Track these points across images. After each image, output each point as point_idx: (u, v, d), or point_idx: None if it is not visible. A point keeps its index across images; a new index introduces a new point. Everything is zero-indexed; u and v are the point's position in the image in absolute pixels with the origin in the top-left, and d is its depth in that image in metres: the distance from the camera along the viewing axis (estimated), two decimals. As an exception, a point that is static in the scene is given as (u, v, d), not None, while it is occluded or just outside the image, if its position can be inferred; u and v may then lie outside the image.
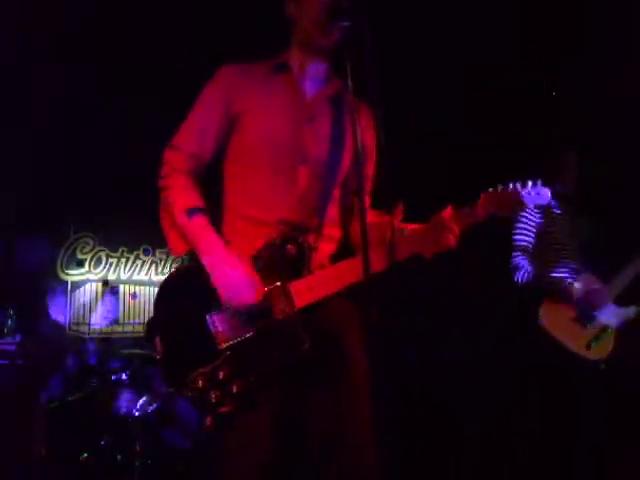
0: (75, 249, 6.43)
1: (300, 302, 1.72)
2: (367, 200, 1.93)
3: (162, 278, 7.51)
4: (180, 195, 1.83)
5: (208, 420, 1.70)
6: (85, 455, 4.03)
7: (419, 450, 3.99)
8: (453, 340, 4.60)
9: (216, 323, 1.73)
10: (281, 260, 1.75)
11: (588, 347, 3.10)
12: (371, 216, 1.82)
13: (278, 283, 1.73)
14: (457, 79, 4.43)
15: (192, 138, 1.90)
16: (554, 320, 3.15)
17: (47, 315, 6.00)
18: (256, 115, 1.84)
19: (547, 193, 1.83)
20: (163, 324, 1.80)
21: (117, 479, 3.90)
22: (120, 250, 6.60)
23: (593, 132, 3.97)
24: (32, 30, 4.22)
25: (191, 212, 1.79)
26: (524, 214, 3.35)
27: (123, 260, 6.59)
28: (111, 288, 6.40)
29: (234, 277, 1.70)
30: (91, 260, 6.47)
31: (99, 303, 6.41)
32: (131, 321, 6.41)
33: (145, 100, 4.88)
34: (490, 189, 1.83)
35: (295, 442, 1.78)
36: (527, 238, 3.34)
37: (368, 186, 1.96)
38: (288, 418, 1.77)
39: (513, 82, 4.32)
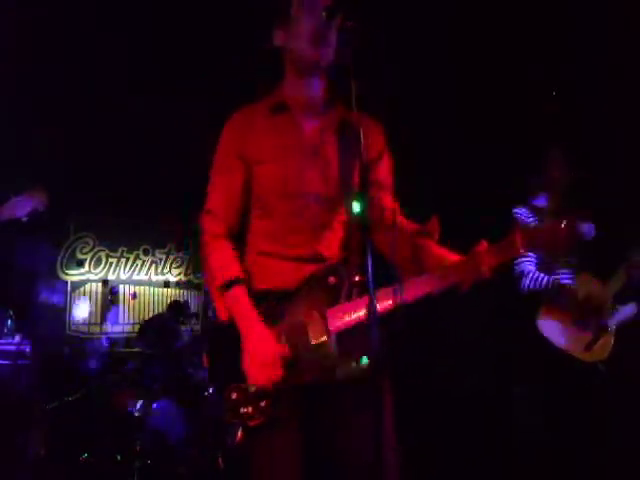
0: (75, 249, 6.43)
1: (334, 326, 1.81)
2: (397, 207, 2.01)
3: (162, 278, 7.55)
4: (220, 266, 1.92)
5: (239, 433, 1.82)
6: (85, 455, 4.03)
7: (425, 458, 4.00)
8: (452, 344, 4.60)
9: None
10: (321, 290, 1.86)
11: (587, 349, 3.10)
12: (410, 231, 1.92)
13: (316, 312, 1.83)
14: (453, 78, 4.43)
15: (222, 201, 1.97)
16: (552, 323, 3.14)
17: (47, 315, 5.99)
18: (266, 163, 1.92)
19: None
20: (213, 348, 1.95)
21: (117, 479, 3.91)
22: (120, 250, 6.61)
23: (593, 132, 3.97)
24: (32, 30, 4.22)
25: (230, 284, 1.88)
26: (520, 216, 3.35)
27: (123, 260, 6.60)
28: (110, 290, 6.40)
29: (261, 356, 1.79)
30: (91, 260, 6.47)
31: (99, 304, 6.41)
32: (131, 321, 6.42)
33: (146, 100, 4.88)
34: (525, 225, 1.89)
35: (325, 462, 1.87)
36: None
37: (388, 193, 2.02)
38: (319, 439, 1.85)
39: (513, 82, 4.32)
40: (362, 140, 1.70)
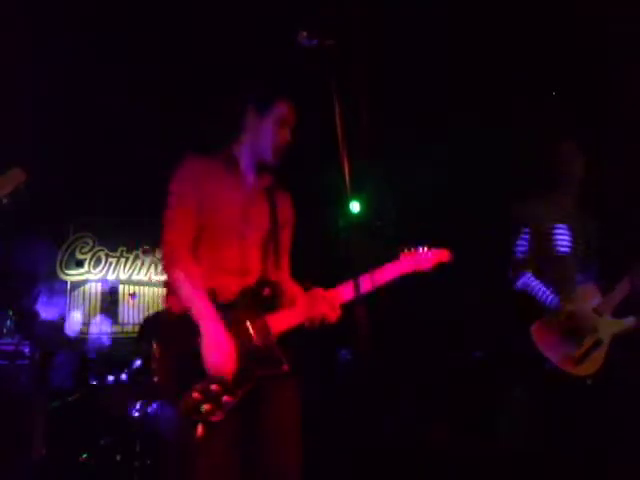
0: (75, 249, 6.43)
1: (276, 330, 2.20)
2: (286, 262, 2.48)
3: (161, 278, 7.52)
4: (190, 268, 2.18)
5: (200, 428, 1.99)
6: (85, 455, 4.03)
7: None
8: (447, 353, 4.61)
9: None
10: (259, 299, 2.24)
11: (578, 363, 3.07)
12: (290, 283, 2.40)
13: (258, 318, 2.19)
14: (453, 75, 4.43)
15: (181, 234, 2.24)
16: (545, 337, 3.12)
17: (46, 315, 5.99)
18: (217, 204, 2.29)
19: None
20: (164, 346, 2.12)
21: (117, 479, 3.91)
22: (119, 250, 6.61)
23: (594, 132, 3.97)
24: (32, 31, 4.22)
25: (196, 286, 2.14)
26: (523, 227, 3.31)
27: (122, 260, 6.59)
28: (110, 293, 6.40)
29: (225, 348, 2.05)
30: (91, 260, 6.47)
31: (98, 305, 6.41)
32: (130, 321, 6.42)
33: (145, 100, 4.88)
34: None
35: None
36: (526, 247, 3.30)
37: (286, 250, 2.48)
38: (252, 427, 2.16)
39: (512, 82, 4.32)
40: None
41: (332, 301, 2.26)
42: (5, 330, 4.59)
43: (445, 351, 4.66)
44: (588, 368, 3.08)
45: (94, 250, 6.50)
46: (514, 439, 3.66)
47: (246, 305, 2.20)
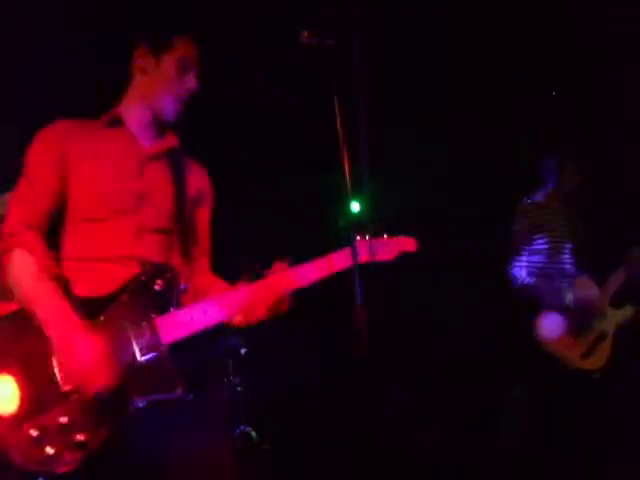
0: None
1: (167, 338, 1.61)
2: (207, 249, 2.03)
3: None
4: (28, 257, 1.65)
5: None
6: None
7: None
8: (448, 350, 4.61)
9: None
10: (148, 295, 1.65)
11: (584, 357, 3.08)
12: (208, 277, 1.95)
13: (144, 322, 1.59)
14: (453, 76, 4.43)
15: (29, 211, 1.75)
16: (549, 331, 3.13)
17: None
18: (92, 173, 1.79)
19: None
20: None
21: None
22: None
23: (593, 132, 3.97)
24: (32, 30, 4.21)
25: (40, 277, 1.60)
26: (517, 219, 3.34)
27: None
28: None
29: (86, 362, 1.47)
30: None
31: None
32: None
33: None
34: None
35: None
36: (523, 244, 3.31)
37: (207, 230, 2.05)
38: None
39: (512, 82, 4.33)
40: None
41: (276, 289, 1.77)
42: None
43: (445, 351, 4.65)
44: (595, 362, 3.09)
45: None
46: (514, 439, 3.66)
47: (127, 303, 1.61)
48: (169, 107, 1.88)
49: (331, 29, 1.82)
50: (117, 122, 1.90)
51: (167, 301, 1.66)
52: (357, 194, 1.83)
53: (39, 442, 1.40)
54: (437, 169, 4.56)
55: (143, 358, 1.55)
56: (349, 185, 1.79)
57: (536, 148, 3.64)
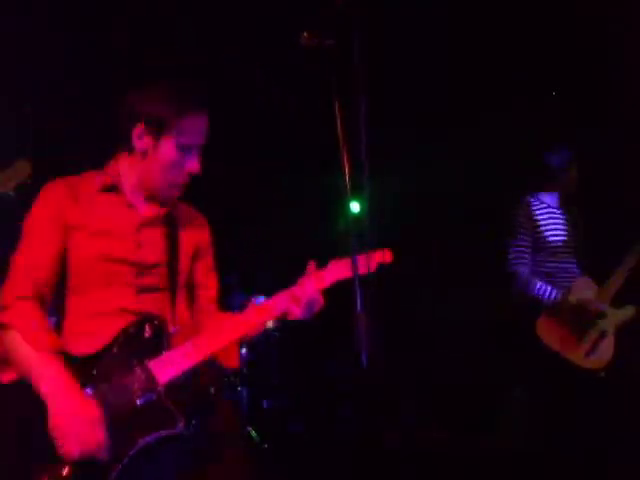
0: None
1: (163, 378, 1.67)
2: (214, 293, 2.01)
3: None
4: (31, 333, 1.66)
5: None
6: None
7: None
8: (451, 350, 4.61)
9: None
10: (138, 343, 1.70)
11: (587, 356, 3.08)
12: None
13: (137, 368, 1.66)
14: (453, 78, 4.43)
15: (25, 280, 1.73)
16: (551, 332, 3.13)
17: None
18: (88, 235, 1.78)
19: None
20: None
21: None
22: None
23: (593, 132, 3.97)
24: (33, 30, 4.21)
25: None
26: (519, 218, 3.34)
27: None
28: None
29: (76, 425, 1.54)
30: None
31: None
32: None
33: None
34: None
35: None
36: (525, 242, 3.32)
37: (212, 278, 2.02)
38: None
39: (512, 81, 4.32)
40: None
41: (270, 311, 1.82)
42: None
43: (445, 351, 4.66)
44: (599, 361, 3.09)
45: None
46: (514, 439, 3.66)
47: (117, 355, 1.67)
48: (166, 192, 1.86)
49: (331, 29, 1.82)
50: (113, 188, 1.87)
51: (158, 345, 1.71)
52: (357, 194, 1.83)
53: None
54: (437, 169, 4.57)
55: (141, 401, 1.64)
56: (349, 185, 1.79)
57: (536, 148, 3.64)
